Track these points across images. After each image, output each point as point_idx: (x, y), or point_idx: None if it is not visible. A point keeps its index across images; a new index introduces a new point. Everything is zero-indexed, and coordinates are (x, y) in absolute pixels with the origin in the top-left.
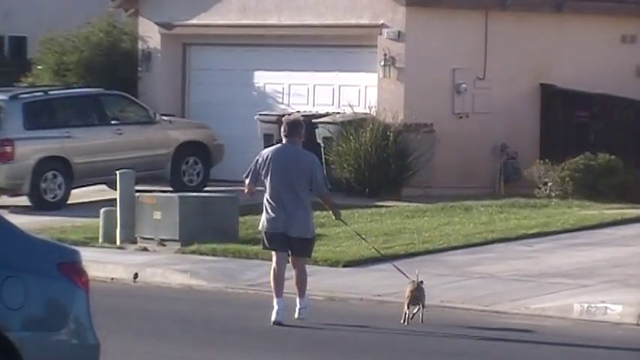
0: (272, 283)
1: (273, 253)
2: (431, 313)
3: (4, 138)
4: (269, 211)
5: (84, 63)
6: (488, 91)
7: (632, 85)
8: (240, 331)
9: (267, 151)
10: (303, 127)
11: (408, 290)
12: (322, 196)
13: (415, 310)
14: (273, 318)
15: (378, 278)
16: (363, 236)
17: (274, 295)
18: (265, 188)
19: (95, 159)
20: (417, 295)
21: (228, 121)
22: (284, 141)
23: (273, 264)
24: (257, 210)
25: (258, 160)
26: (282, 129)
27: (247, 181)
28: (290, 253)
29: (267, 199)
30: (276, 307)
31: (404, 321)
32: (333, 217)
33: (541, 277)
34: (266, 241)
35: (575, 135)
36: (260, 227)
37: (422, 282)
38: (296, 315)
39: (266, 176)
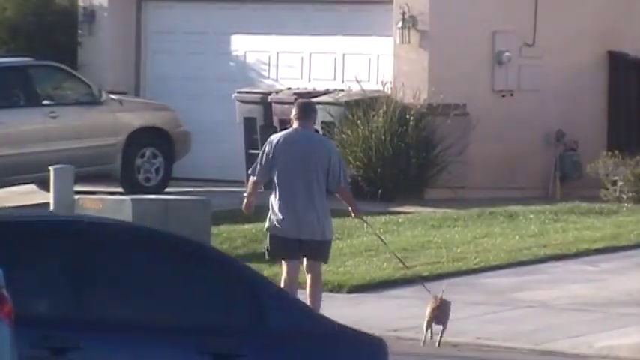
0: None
1: (283, 262)
2: (464, 354)
3: None
4: (278, 210)
5: (7, 24)
6: (539, 61)
7: None
8: None
9: (277, 137)
10: (316, 111)
11: (428, 307)
12: (341, 190)
13: (436, 331)
14: None
15: (394, 307)
16: (383, 238)
17: None
18: (274, 183)
19: (21, 151)
20: (437, 315)
21: (197, 101)
22: (295, 125)
23: (284, 275)
24: (235, 218)
25: (267, 147)
26: (294, 111)
27: (253, 178)
28: (305, 258)
29: (275, 196)
30: None
31: (423, 344)
32: (352, 216)
33: (609, 306)
34: (273, 248)
35: None
36: (265, 230)
37: (446, 301)
38: None
39: (278, 168)
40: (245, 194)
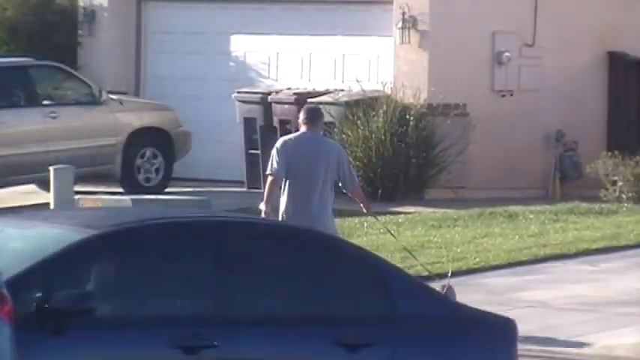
0: None
1: None
2: None
3: None
4: (290, 211)
5: (7, 24)
6: (539, 61)
7: None
8: None
9: (286, 139)
10: (323, 115)
11: None
12: (355, 190)
13: None
14: None
15: None
16: (392, 232)
17: None
18: (284, 185)
19: (21, 151)
20: None
21: (197, 101)
22: (304, 129)
23: None
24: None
25: (278, 147)
26: (302, 116)
27: (272, 177)
28: None
29: (287, 197)
30: None
31: None
32: (364, 212)
33: (609, 305)
34: None
35: None
36: None
37: (451, 287)
38: None
39: (288, 170)
40: (263, 204)
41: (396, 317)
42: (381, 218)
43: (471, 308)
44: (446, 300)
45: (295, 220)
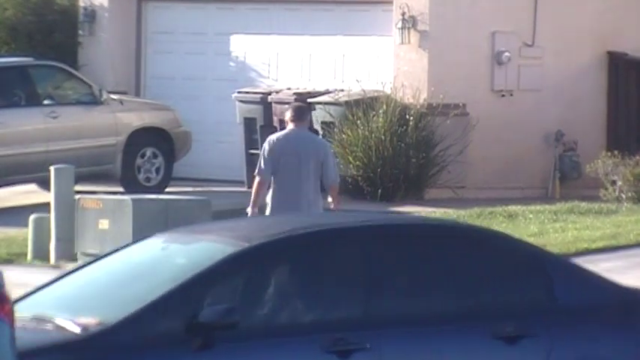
0: None
1: None
2: None
3: None
4: (278, 206)
5: (8, 24)
6: (538, 61)
7: None
8: None
9: (275, 137)
10: (310, 113)
11: None
12: (333, 187)
13: None
14: None
15: None
16: None
17: None
18: (273, 180)
19: (21, 151)
20: None
21: (198, 101)
22: (291, 126)
23: None
24: (235, 217)
25: (267, 147)
26: (290, 113)
27: (259, 178)
28: None
29: (275, 193)
30: None
31: None
32: (334, 209)
33: None
34: None
35: None
36: None
37: None
38: None
39: (278, 166)
40: (250, 207)
41: (556, 306)
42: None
43: (634, 291)
44: (611, 284)
45: None
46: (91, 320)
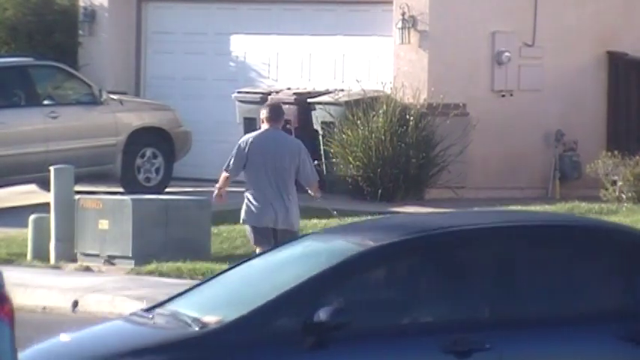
0: None
1: (261, 248)
2: None
3: None
4: (255, 203)
5: (8, 24)
6: (538, 61)
7: None
8: None
9: (250, 137)
10: (284, 113)
11: None
12: (312, 184)
13: None
14: None
15: None
16: (334, 212)
17: None
18: (248, 179)
19: (21, 151)
20: None
21: (198, 101)
22: (266, 126)
23: None
24: (235, 217)
25: (240, 145)
26: (265, 113)
27: (226, 173)
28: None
29: (252, 191)
30: None
31: None
32: (312, 195)
33: None
34: (257, 237)
35: None
36: (242, 222)
37: None
38: None
39: (251, 165)
40: (216, 186)
41: None
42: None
43: None
44: None
45: (262, 216)
46: (212, 319)
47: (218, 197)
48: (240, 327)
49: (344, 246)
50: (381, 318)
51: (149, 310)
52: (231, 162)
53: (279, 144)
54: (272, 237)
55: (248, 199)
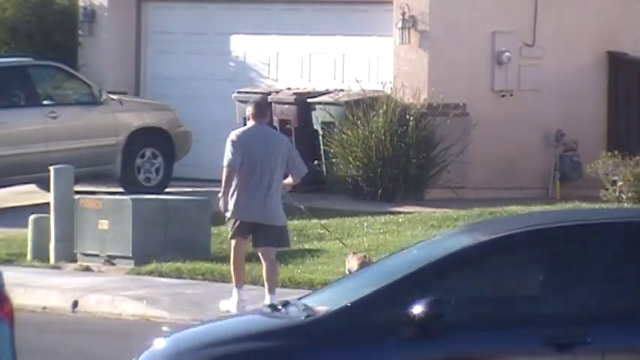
0: (236, 274)
1: (237, 241)
2: None
3: None
4: (242, 198)
5: (7, 24)
6: (538, 61)
7: None
8: None
9: (239, 132)
10: (269, 108)
11: (354, 262)
12: (303, 175)
13: None
14: (235, 310)
15: None
16: (302, 207)
17: (236, 286)
18: (239, 174)
19: (21, 151)
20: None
21: (197, 101)
22: (252, 122)
23: (237, 254)
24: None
25: (233, 140)
26: (251, 110)
27: (229, 167)
28: (260, 243)
29: (242, 186)
30: (237, 298)
31: None
32: (285, 189)
33: None
34: (235, 230)
35: None
36: (229, 214)
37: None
38: None
39: (245, 160)
40: (221, 197)
41: None
42: (380, 218)
43: None
44: None
45: (249, 210)
46: (322, 309)
47: (225, 208)
48: (342, 316)
49: (457, 241)
50: (482, 309)
51: (285, 303)
52: (231, 155)
53: (268, 140)
54: (251, 231)
55: (238, 194)
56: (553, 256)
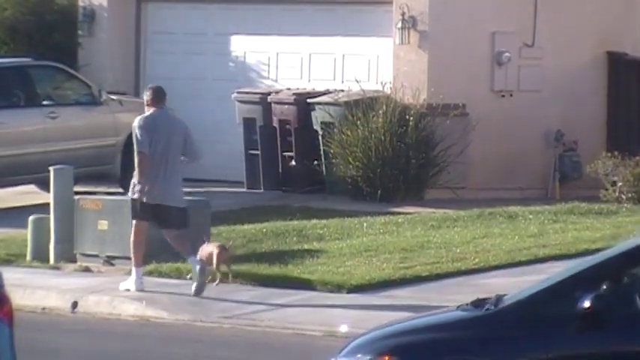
0: (136, 253)
1: (139, 222)
2: None
3: None
4: (147, 180)
5: (7, 24)
6: (538, 61)
7: None
8: None
9: (142, 118)
10: (166, 94)
11: (214, 250)
12: (198, 159)
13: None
14: (134, 288)
15: (395, 307)
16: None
17: (135, 265)
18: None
19: (21, 151)
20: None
21: (197, 101)
22: (152, 109)
23: (137, 234)
24: (236, 217)
25: (140, 125)
26: (149, 95)
27: (144, 151)
28: (162, 224)
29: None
30: (135, 277)
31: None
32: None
33: None
34: (137, 212)
35: None
36: (135, 196)
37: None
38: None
39: (151, 144)
40: (138, 183)
41: None
42: (380, 218)
43: None
44: None
45: (151, 193)
46: (498, 302)
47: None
48: (516, 310)
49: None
50: None
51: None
52: (142, 140)
53: (170, 124)
54: (152, 213)
55: (139, 177)
56: None
